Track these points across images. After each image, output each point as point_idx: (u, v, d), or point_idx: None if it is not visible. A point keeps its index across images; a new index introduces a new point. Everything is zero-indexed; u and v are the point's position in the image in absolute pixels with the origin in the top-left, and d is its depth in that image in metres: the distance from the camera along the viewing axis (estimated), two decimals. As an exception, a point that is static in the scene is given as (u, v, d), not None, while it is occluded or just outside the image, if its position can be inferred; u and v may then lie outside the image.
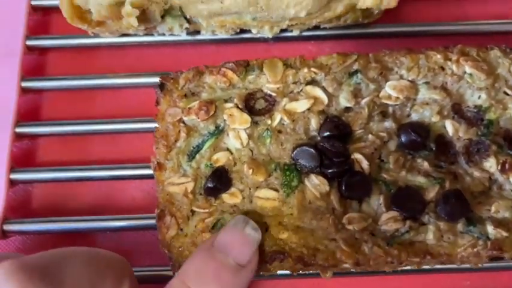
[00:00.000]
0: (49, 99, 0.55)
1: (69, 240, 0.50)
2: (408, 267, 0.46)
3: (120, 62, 0.56)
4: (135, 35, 0.52)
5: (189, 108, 0.44)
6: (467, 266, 0.44)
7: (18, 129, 0.52)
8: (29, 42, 0.54)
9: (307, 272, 0.45)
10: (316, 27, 0.53)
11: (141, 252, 0.50)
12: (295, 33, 0.52)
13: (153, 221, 0.46)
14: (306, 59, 0.46)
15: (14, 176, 0.50)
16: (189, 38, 0.53)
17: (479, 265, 0.43)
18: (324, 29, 0.54)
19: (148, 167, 0.49)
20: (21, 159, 0.53)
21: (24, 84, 0.53)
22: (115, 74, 0.54)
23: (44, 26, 0.57)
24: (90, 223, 0.50)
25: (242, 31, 0.53)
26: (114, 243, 0.51)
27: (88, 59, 0.55)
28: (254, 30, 0.51)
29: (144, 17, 0.47)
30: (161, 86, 0.45)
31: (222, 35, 0.52)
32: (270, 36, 0.51)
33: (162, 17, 0.48)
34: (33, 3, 0.56)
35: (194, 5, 0.46)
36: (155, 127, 0.44)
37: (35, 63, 0.56)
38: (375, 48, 0.56)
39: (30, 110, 0.54)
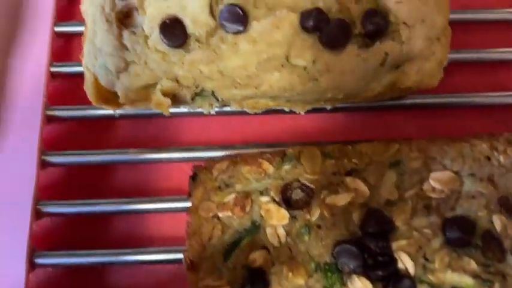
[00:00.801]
0: (70, 175, 0.52)
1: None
2: None
3: (144, 133, 0.53)
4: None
5: (224, 203, 0.41)
6: None
7: (39, 208, 0.49)
8: (49, 113, 0.52)
9: None
10: (348, 100, 0.51)
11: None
12: (327, 107, 0.50)
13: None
14: (345, 147, 0.44)
15: (35, 260, 0.48)
16: (217, 109, 0.51)
17: None
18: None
19: (171, 251, 0.48)
20: (42, 241, 0.50)
21: (45, 157, 0.51)
22: (138, 149, 0.51)
23: (63, 94, 0.54)
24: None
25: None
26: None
27: (110, 131, 0.53)
28: (286, 109, 0.48)
29: (173, 99, 0.45)
30: (194, 177, 0.43)
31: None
32: (302, 113, 0.49)
33: (193, 98, 0.46)
34: (52, 70, 0.53)
35: (228, 89, 0.44)
36: (187, 222, 0.42)
37: (55, 134, 0.53)
38: (408, 119, 0.55)
39: (50, 185, 0.52)
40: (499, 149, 0.43)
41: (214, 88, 0.44)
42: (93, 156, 0.51)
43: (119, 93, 0.44)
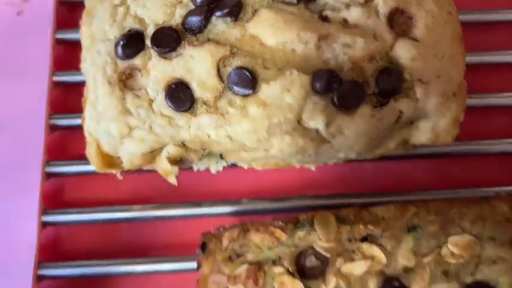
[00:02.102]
0: (70, 234, 0.50)
1: None
2: None
3: (147, 186, 0.51)
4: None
5: (235, 276, 0.40)
6: None
7: (40, 272, 0.47)
8: (48, 169, 0.50)
9: None
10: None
11: None
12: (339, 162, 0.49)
13: None
14: (359, 211, 0.42)
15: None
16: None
17: None
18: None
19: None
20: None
21: (45, 218, 0.49)
22: (142, 206, 0.49)
23: (63, 147, 0.52)
24: None
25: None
26: None
27: (112, 185, 0.51)
28: (297, 166, 0.47)
29: (180, 162, 0.43)
30: (203, 247, 0.41)
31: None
32: (313, 168, 0.47)
33: (200, 159, 0.44)
34: (51, 122, 0.51)
35: (236, 153, 0.42)
36: (198, 295, 0.40)
37: (54, 191, 0.51)
38: (420, 167, 0.53)
39: (51, 247, 0.50)
40: (520, 211, 0.42)
41: (222, 151, 0.43)
42: (95, 214, 0.49)
43: (123, 159, 0.42)
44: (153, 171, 0.50)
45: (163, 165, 0.41)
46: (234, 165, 0.50)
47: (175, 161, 0.43)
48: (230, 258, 0.41)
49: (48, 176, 0.50)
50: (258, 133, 0.41)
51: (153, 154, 0.42)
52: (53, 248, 0.50)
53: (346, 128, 0.41)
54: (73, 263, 0.48)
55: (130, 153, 0.42)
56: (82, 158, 0.46)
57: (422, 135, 0.44)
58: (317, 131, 0.41)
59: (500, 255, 0.41)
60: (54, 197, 0.51)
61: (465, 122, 0.49)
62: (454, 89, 0.44)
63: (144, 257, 0.48)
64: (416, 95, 0.43)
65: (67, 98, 0.54)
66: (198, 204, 0.49)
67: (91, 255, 0.49)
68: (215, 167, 0.46)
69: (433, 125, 0.44)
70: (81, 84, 0.45)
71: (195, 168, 0.46)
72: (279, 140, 0.41)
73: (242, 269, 0.40)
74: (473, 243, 0.41)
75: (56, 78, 0.53)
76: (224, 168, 0.48)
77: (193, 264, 0.44)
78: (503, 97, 0.53)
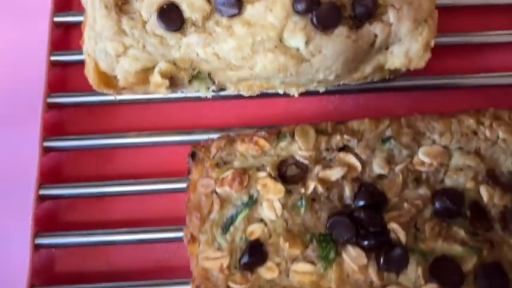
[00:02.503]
0: (71, 159, 0.54)
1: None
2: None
3: (142, 118, 0.55)
4: (158, 92, 0.51)
5: (222, 178, 0.43)
6: None
7: (42, 192, 0.51)
8: (50, 100, 0.54)
9: None
10: (341, 82, 0.53)
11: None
12: (321, 89, 0.52)
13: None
14: (337, 124, 0.46)
15: (38, 241, 0.49)
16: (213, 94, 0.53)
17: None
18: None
19: (171, 230, 0.49)
20: (44, 222, 0.51)
21: (46, 144, 0.52)
22: (137, 133, 0.53)
23: (63, 82, 0.56)
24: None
25: (266, 88, 0.52)
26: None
27: (109, 116, 0.55)
28: (280, 91, 0.50)
29: (171, 81, 0.46)
30: (192, 155, 0.44)
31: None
32: (296, 95, 0.51)
33: (190, 81, 0.47)
34: (52, 58, 0.55)
35: (223, 71, 0.46)
36: (187, 198, 0.44)
37: (56, 121, 0.55)
38: (398, 101, 0.56)
39: (52, 169, 0.53)
40: (485, 124, 0.45)
41: (211, 70, 0.46)
42: (93, 141, 0.53)
43: (119, 77, 0.46)
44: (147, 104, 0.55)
45: (155, 79, 0.44)
46: (222, 97, 0.54)
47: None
48: (218, 165, 0.44)
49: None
50: (243, 50, 0.44)
51: (146, 74, 0.46)
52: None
53: (324, 47, 0.45)
54: (74, 185, 0.51)
55: (125, 71, 0.45)
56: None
57: (396, 59, 0.48)
58: (297, 49, 0.45)
59: (466, 164, 0.44)
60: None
61: (440, 58, 0.53)
62: (425, 16, 0.47)
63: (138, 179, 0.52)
64: (389, 19, 0.46)
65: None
66: (189, 132, 0.53)
67: (90, 178, 0.52)
68: (205, 91, 0.49)
69: (406, 49, 0.47)
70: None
71: (187, 92, 0.50)
72: (262, 57, 0.44)
73: (228, 173, 0.43)
74: (443, 153, 0.44)
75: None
76: (213, 98, 0.51)
77: (184, 185, 0.48)
78: (476, 35, 0.57)
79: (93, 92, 0.53)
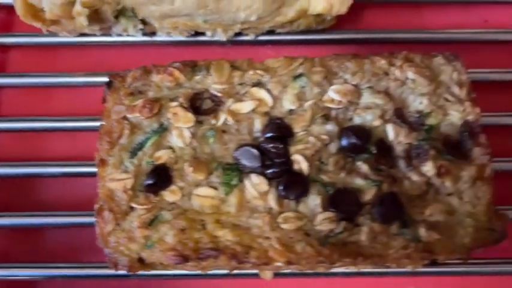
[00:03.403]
0: (8, 96, 0.55)
1: (19, 234, 0.51)
2: (354, 270, 0.47)
3: (80, 61, 0.56)
4: (94, 35, 0.53)
5: (134, 106, 0.44)
6: (413, 270, 0.45)
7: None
8: (-9, 40, 0.55)
9: (247, 272, 0.46)
10: (273, 32, 0.54)
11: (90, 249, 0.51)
12: (251, 37, 0.53)
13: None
14: (253, 62, 0.47)
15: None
16: (148, 39, 0.54)
17: (421, 269, 0.44)
18: (280, 34, 0.54)
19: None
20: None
21: (-17, 80, 0.54)
22: (73, 73, 0.54)
23: (7, 24, 0.58)
24: (40, 219, 0.50)
25: (199, 33, 0.53)
26: (63, 238, 0.51)
27: (49, 58, 0.56)
28: (208, 33, 0.52)
29: (97, 16, 0.48)
30: (109, 84, 0.46)
31: (179, 37, 0.53)
32: (225, 39, 0.52)
33: (117, 17, 0.49)
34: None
35: (145, 6, 0.47)
36: (101, 124, 0.45)
37: None
38: (331, 53, 0.58)
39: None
40: (396, 65, 0.46)
41: (134, 5, 0.48)
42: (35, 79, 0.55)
43: (45, 9, 0.47)
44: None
45: (76, 7, 0.46)
46: (160, 42, 0.55)
47: (92, 18, 0.48)
48: (132, 94, 0.45)
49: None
50: (163, -16, 0.46)
51: (70, 6, 0.47)
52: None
53: (242, -15, 0.46)
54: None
55: (51, 3, 0.47)
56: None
57: (318, 4, 0.49)
58: (216, -13, 0.46)
59: (375, 102, 0.45)
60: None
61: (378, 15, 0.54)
62: (347, -39, 0.48)
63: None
64: (310, -37, 0.47)
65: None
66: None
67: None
68: (132, 29, 0.50)
69: (327, -6, 0.49)
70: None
71: (115, 30, 0.51)
72: (181, -9, 0.46)
73: (140, 101, 0.45)
74: (353, 91, 0.45)
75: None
76: (151, 44, 0.53)
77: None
78: None
79: (34, 34, 0.55)
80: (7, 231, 0.52)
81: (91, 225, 0.47)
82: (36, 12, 0.48)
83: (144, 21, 0.50)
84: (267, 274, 0.46)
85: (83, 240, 0.51)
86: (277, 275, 0.46)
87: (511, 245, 0.45)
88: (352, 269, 0.46)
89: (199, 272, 0.43)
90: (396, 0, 0.58)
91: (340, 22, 0.56)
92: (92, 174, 0.51)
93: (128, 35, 0.53)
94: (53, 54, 0.56)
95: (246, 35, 0.54)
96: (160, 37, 0.54)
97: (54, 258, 0.50)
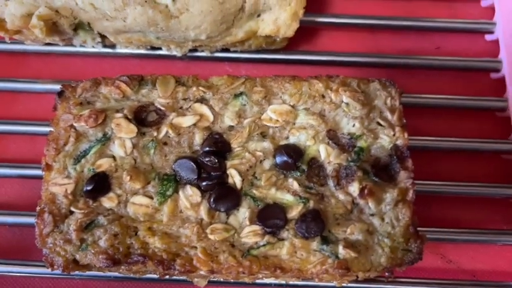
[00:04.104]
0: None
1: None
2: (282, 282, 0.49)
3: (45, 68, 0.59)
4: (58, 44, 0.56)
5: (81, 115, 0.47)
6: (339, 285, 0.47)
7: None
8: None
9: (180, 278, 0.48)
10: (228, 50, 0.57)
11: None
12: (206, 53, 0.56)
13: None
14: (198, 79, 0.49)
15: None
16: (109, 50, 0.57)
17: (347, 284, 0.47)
18: (237, 52, 0.57)
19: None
20: None
21: None
22: (35, 80, 0.57)
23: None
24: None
25: (156, 48, 0.56)
26: (15, 238, 0.54)
27: (14, 64, 0.59)
28: (163, 49, 0.54)
29: (56, 28, 0.51)
30: (60, 93, 0.48)
31: (141, 50, 0.56)
32: (179, 55, 0.55)
33: (75, 30, 0.52)
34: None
35: (100, 21, 0.50)
36: (49, 131, 0.48)
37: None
38: (286, 73, 0.60)
39: None
40: (333, 88, 0.48)
41: (89, 20, 0.50)
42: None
43: (7, 20, 0.50)
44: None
45: (32, 21, 0.49)
46: (112, 46, 0.57)
47: (51, 30, 0.51)
48: (81, 104, 0.48)
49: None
50: (115, 2, 0.49)
51: (31, 18, 0.50)
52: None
53: (191, 6, 0.49)
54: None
55: (12, 14, 0.50)
56: None
57: (266, 26, 0.52)
58: (166, 5, 0.49)
59: (310, 123, 0.47)
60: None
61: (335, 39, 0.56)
62: (294, -13, 0.51)
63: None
64: (258, -13, 0.50)
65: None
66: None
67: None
68: (91, 41, 0.53)
69: (275, 17, 0.51)
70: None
71: (75, 42, 0.54)
72: (132, 9, 0.49)
73: (87, 111, 0.47)
74: (289, 112, 0.48)
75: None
76: (113, 55, 0.56)
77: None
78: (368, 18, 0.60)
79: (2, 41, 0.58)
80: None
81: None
82: (-1, 22, 0.51)
83: (101, 35, 0.53)
84: (202, 282, 0.48)
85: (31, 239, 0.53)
86: (211, 282, 0.49)
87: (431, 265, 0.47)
88: (280, 281, 0.48)
89: (132, 275, 0.46)
90: (351, 24, 0.60)
91: (298, 43, 0.59)
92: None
93: (85, 47, 0.55)
94: (19, 61, 0.59)
95: (202, 51, 0.56)
96: (123, 49, 0.56)
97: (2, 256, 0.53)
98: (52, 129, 0.47)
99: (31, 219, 0.52)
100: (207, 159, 0.46)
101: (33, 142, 0.57)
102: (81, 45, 0.56)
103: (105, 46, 0.55)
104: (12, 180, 0.56)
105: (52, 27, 0.51)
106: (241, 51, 0.57)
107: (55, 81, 0.57)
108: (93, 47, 0.55)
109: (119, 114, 0.47)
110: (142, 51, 0.56)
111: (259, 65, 0.59)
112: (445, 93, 0.58)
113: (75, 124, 0.47)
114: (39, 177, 0.53)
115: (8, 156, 0.57)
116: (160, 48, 0.56)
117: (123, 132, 0.46)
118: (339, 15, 0.60)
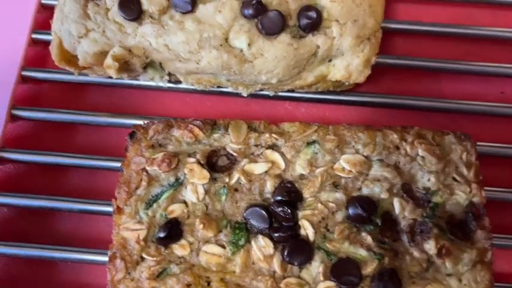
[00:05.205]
0: (37, 129, 0.58)
1: (32, 266, 0.53)
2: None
3: (107, 100, 0.59)
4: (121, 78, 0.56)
5: (153, 158, 0.47)
6: None
7: (2, 154, 0.55)
8: (25, 73, 0.58)
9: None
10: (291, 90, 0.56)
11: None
12: (270, 93, 0.55)
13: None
14: (270, 124, 0.49)
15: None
16: (172, 85, 0.56)
17: None
18: (299, 91, 0.56)
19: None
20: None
21: (14, 112, 0.57)
22: (98, 113, 0.57)
23: (42, 59, 0.61)
24: (54, 252, 0.52)
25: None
26: (74, 273, 0.53)
27: (78, 94, 0.59)
28: (230, 89, 0.54)
29: (126, 67, 0.51)
30: (131, 135, 0.48)
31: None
32: (245, 95, 0.54)
33: (145, 68, 0.51)
34: (33, 36, 0.60)
35: (172, 62, 0.50)
36: (120, 173, 0.47)
37: (29, 94, 0.59)
38: (348, 114, 0.59)
39: (16, 137, 0.58)
40: (408, 140, 0.47)
41: (161, 60, 0.50)
42: (58, 115, 0.57)
43: (79, 57, 0.50)
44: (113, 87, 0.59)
45: (107, 61, 0.49)
46: (182, 90, 0.57)
47: (122, 68, 0.51)
48: (153, 146, 0.48)
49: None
50: (190, 44, 0.48)
51: (103, 56, 0.50)
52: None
53: (266, 51, 0.48)
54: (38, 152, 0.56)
55: (84, 52, 0.50)
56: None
57: (337, 72, 0.51)
58: (241, 50, 0.49)
59: (384, 175, 0.47)
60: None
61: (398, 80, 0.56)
62: (368, 34, 0.50)
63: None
64: (333, 33, 0.49)
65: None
66: (146, 117, 0.57)
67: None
68: (159, 79, 0.53)
69: (347, 63, 0.51)
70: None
71: (142, 79, 0.54)
72: (207, 52, 0.48)
73: (160, 155, 0.47)
74: (363, 162, 0.47)
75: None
76: (173, 90, 0.55)
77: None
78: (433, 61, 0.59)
79: (67, 71, 0.58)
80: (21, 261, 0.54)
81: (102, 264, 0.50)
82: (70, 58, 0.51)
83: (170, 73, 0.52)
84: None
85: (93, 277, 0.53)
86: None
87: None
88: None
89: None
90: (414, 66, 0.59)
91: (359, 84, 0.58)
92: (107, 213, 0.54)
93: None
94: (82, 91, 0.59)
95: (266, 90, 0.56)
96: (186, 85, 0.56)
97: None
98: (124, 170, 0.47)
99: (85, 256, 0.52)
100: (279, 209, 0.45)
101: (94, 175, 0.57)
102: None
103: (169, 81, 0.55)
104: (71, 214, 0.56)
105: (123, 65, 0.50)
106: (304, 92, 0.56)
107: (116, 115, 0.57)
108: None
109: (192, 159, 0.47)
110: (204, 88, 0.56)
111: (319, 104, 0.59)
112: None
113: (147, 168, 0.47)
114: (98, 213, 0.54)
115: (67, 188, 0.57)
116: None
117: (196, 177, 0.46)
118: (402, 57, 0.59)
